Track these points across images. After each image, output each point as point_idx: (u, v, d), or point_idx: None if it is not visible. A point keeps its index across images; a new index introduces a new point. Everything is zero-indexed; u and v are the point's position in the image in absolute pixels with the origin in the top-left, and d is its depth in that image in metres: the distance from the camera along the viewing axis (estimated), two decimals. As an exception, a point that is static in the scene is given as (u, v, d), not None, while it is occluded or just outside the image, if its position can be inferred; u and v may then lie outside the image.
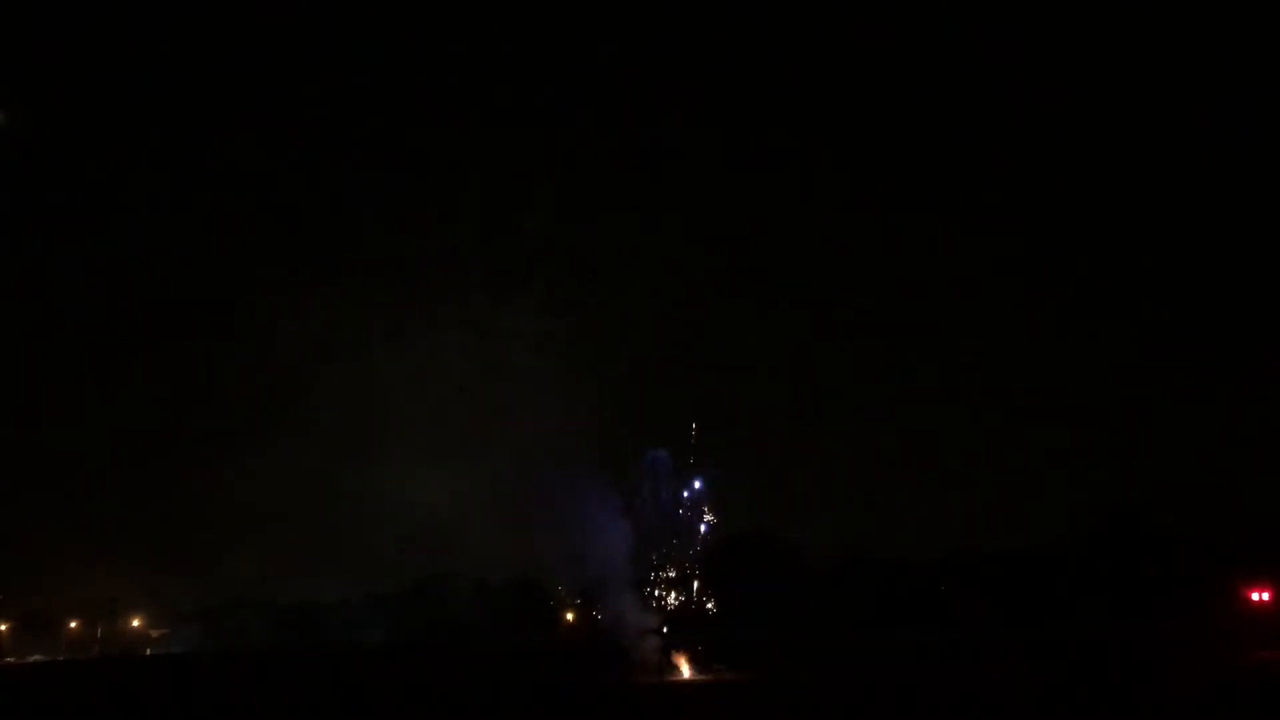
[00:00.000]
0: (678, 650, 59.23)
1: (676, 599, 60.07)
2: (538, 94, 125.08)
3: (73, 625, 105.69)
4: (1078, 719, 39.95)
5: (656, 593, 61.88)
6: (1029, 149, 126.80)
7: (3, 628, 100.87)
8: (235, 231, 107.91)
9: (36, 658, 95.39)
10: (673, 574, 59.80)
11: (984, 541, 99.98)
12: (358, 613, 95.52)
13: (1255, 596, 77.23)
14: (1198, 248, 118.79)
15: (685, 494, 59.22)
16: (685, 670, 57.47)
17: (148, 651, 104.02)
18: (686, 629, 60.46)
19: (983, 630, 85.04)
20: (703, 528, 58.34)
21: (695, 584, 59.34)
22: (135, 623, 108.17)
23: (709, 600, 58.92)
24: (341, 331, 56.19)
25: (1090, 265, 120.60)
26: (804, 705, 40.72)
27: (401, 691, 53.05)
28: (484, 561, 60.13)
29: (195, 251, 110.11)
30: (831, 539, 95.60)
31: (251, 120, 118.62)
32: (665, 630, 60.72)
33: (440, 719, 41.97)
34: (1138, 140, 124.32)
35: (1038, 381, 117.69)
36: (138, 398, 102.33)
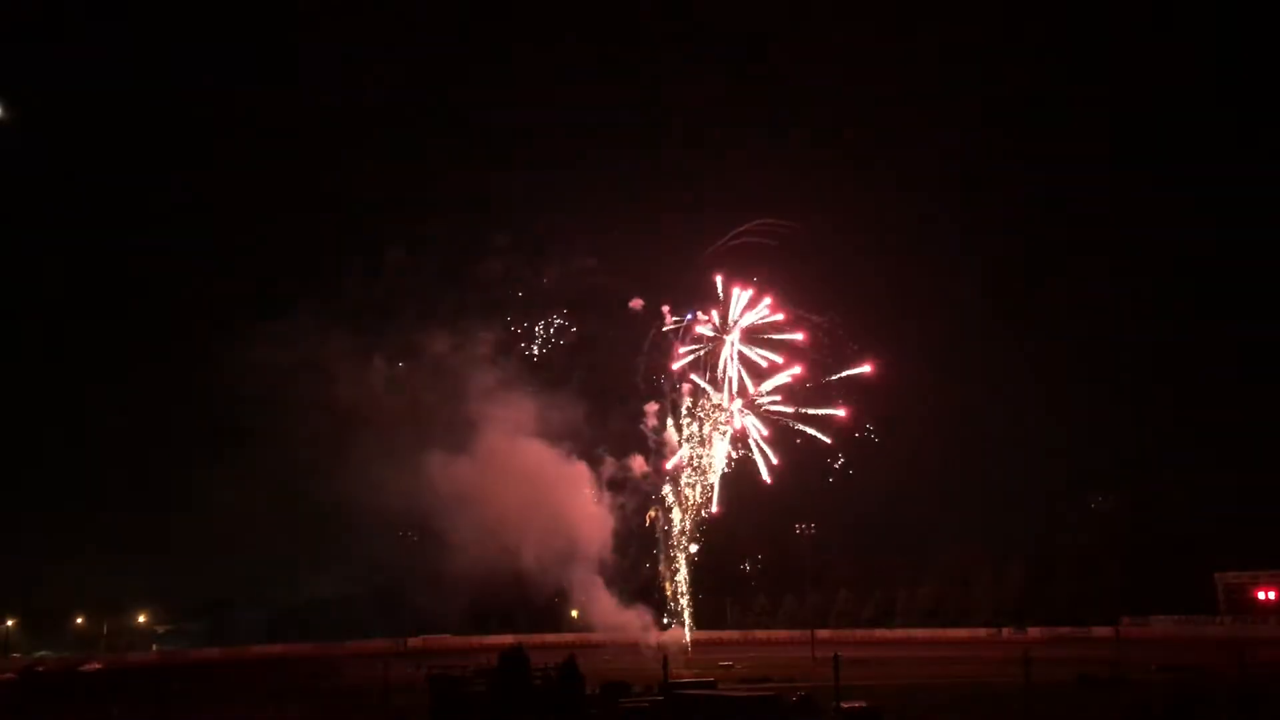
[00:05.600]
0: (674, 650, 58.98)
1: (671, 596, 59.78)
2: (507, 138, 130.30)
3: (79, 621, 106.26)
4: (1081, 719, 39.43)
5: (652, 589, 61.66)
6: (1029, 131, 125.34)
7: (10, 624, 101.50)
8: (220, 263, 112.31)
9: (43, 654, 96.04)
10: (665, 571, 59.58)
11: (990, 537, 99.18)
12: (358, 609, 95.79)
13: (1261, 595, 76.63)
14: (1196, 246, 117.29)
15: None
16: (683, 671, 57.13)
17: (154, 647, 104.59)
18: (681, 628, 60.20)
19: (988, 627, 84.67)
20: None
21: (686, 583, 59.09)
22: (140, 619, 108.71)
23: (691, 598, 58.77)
24: (316, 356, 57.64)
25: (1088, 263, 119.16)
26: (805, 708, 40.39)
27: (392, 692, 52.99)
28: (481, 559, 59.99)
29: (189, 272, 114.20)
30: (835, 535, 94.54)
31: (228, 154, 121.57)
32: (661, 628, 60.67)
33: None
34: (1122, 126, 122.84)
35: (1039, 378, 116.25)
36: (136, 401, 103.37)
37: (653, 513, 58.19)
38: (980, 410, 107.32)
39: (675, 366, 59.38)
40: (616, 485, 58.17)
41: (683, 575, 58.33)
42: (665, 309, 59.40)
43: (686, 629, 60.42)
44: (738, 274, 61.19)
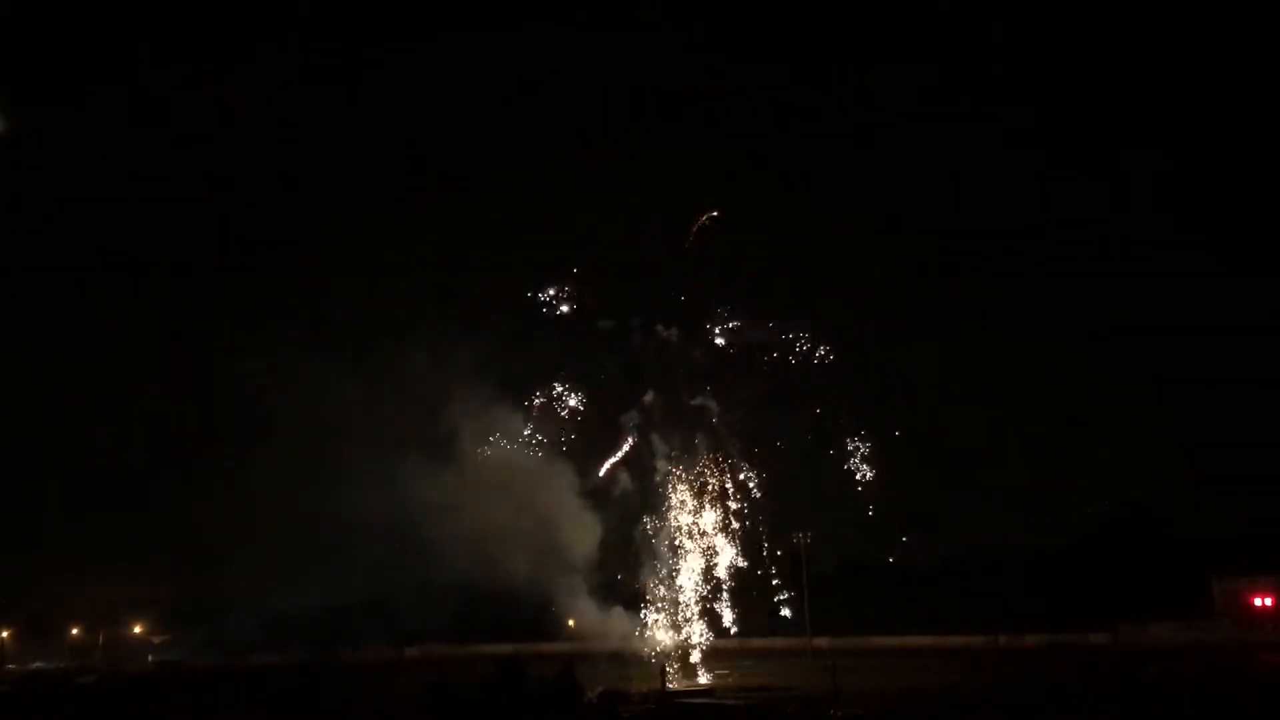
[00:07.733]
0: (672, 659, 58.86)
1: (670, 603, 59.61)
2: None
3: (74, 631, 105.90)
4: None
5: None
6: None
7: (4, 634, 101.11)
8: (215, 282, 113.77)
9: (39, 664, 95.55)
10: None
11: (985, 543, 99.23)
12: (349, 619, 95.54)
13: (1258, 602, 76.66)
14: (1197, 243, 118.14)
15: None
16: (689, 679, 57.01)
17: (149, 658, 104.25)
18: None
19: (985, 633, 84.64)
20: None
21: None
22: (137, 628, 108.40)
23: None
24: (302, 370, 58.18)
25: (1089, 258, 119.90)
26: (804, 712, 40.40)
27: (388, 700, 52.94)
28: (469, 567, 60.09)
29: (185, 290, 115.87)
30: (829, 542, 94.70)
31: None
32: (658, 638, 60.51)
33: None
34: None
35: (1039, 378, 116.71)
36: (134, 411, 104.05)
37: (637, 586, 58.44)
38: (975, 413, 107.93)
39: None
40: (601, 496, 58.25)
41: (667, 594, 58.26)
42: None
43: (682, 636, 60.26)
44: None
